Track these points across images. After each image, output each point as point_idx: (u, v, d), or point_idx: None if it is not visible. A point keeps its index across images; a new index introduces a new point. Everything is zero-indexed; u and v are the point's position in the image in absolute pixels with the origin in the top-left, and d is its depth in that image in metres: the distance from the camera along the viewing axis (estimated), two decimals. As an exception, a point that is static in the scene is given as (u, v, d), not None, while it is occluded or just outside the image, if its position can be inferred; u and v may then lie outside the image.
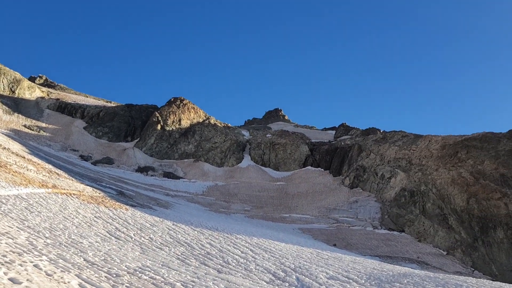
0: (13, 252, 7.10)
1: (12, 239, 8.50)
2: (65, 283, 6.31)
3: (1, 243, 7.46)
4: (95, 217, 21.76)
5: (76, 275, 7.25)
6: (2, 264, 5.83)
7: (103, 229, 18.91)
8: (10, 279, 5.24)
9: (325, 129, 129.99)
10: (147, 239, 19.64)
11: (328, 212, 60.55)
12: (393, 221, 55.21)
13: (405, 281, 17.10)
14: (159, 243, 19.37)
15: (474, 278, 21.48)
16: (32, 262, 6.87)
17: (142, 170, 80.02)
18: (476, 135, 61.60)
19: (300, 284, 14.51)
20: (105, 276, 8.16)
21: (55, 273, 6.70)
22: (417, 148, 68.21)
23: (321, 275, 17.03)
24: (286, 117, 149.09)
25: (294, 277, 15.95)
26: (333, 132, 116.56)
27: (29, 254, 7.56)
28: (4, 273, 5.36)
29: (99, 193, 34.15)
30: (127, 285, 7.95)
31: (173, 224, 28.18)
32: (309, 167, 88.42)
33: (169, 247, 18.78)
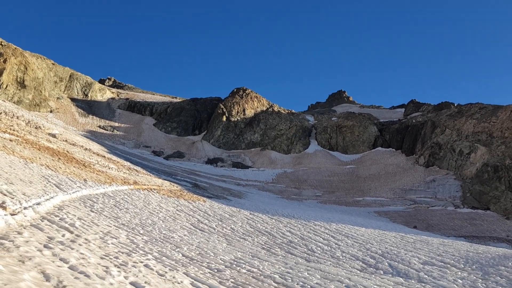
0: (122, 253, 7.18)
1: (116, 238, 8.67)
2: (178, 283, 6.26)
3: (108, 244, 7.59)
4: (177, 210, 22.22)
5: (184, 273, 7.22)
6: (118, 267, 5.85)
7: (186, 222, 19.23)
8: (132, 284, 5.21)
9: (394, 107, 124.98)
10: (229, 230, 19.73)
11: (404, 193, 58.29)
12: (476, 199, 51.98)
13: (510, 263, 15.79)
14: (241, 233, 19.39)
15: None
16: (142, 262, 6.90)
17: (212, 161, 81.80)
18: None
19: (395, 271, 13.79)
20: (209, 272, 8.10)
21: (166, 272, 6.69)
22: (497, 120, 63.49)
23: (414, 260, 16.17)
24: (351, 99, 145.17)
25: (386, 263, 15.24)
26: (403, 110, 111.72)
27: (136, 253, 7.64)
28: (125, 277, 5.35)
29: (177, 187, 35.15)
30: (232, 281, 7.82)
31: (250, 214, 28.29)
32: (379, 148, 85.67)
33: (251, 237, 18.72)
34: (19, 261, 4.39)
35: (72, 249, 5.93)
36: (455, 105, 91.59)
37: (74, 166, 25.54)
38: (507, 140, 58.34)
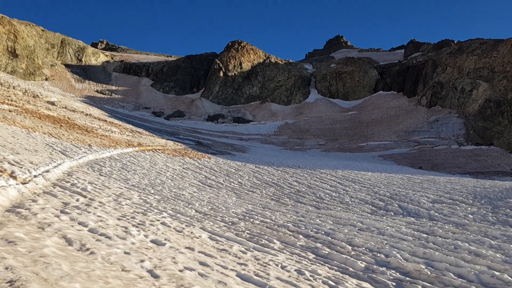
0: (138, 213, 7.23)
1: (129, 199, 8.73)
2: (197, 237, 6.32)
3: (123, 205, 7.63)
4: (183, 168, 22.34)
5: (201, 228, 7.29)
6: (137, 227, 5.88)
7: (194, 179, 19.35)
8: (153, 241, 5.25)
9: (393, 49, 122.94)
10: (237, 184, 19.89)
11: (408, 135, 58.46)
12: (480, 135, 52.09)
13: (517, 196, 15.99)
14: (249, 186, 19.55)
15: None
16: (158, 220, 6.95)
17: (212, 118, 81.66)
18: None
19: (405, 212, 13.97)
20: (224, 226, 8.19)
21: (183, 228, 6.75)
22: (498, 54, 62.46)
23: (423, 200, 16.36)
24: (349, 43, 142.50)
25: (396, 205, 15.43)
26: (402, 51, 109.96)
27: (151, 212, 7.70)
28: (145, 236, 5.38)
29: (180, 146, 35.27)
30: (248, 232, 7.91)
31: (255, 167, 28.49)
32: (381, 92, 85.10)
33: (260, 189, 18.90)
34: (39, 228, 4.38)
35: (89, 212, 5.95)
36: (455, 42, 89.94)
37: (77, 132, 25.46)
38: (509, 74, 57.66)
